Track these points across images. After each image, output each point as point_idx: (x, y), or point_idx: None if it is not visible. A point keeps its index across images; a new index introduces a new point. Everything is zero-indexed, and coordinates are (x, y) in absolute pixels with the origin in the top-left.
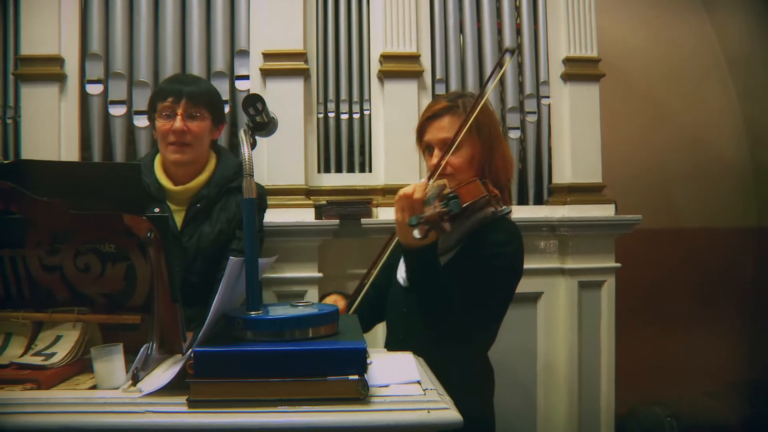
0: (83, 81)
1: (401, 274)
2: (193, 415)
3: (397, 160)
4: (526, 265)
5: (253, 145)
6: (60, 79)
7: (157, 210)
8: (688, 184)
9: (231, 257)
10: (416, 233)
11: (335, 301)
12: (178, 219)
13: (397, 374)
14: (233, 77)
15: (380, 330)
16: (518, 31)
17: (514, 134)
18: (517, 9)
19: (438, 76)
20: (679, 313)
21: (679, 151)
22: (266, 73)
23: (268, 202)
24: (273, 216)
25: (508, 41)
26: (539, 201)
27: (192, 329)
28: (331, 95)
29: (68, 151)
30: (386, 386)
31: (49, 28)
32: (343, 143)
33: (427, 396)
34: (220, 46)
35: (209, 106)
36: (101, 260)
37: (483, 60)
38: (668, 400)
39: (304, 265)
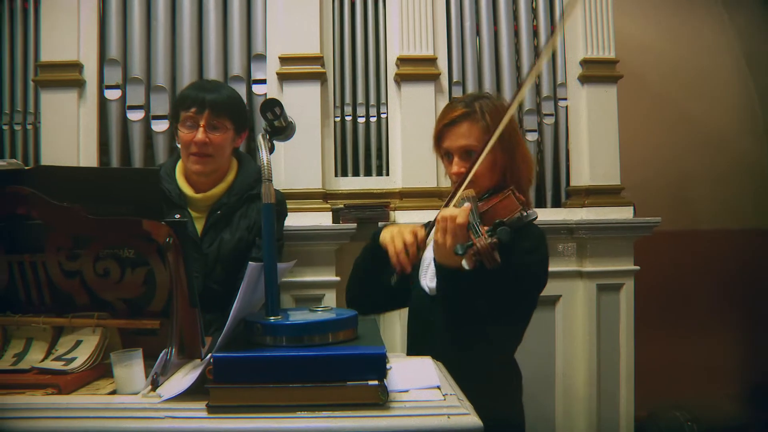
0: (101, 86)
1: (426, 282)
2: (212, 421)
3: (414, 164)
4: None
5: (271, 149)
6: (79, 84)
7: (177, 216)
8: (707, 185)
9: (250, 262)
10: (465, 264)
11: (414, 229)
12: (199, 226)
13: (417, 379)
14: (250, 81)
15: (397, 334)
16: (535, 33)
17: (531, 137)
18: (534, 11)
19: (455, 78)
20: (699, 316)
21: (698, 152)
22: (283, 77)
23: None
24: (290, 220)
25: (525, 43)
26: (557, 204)
27: (211, 334)
28: (348, 99)
29: (87, 156)
30: (406, 391)
31: (68, 34)
32: (360, 147)
33: (447, 401)
34: (237, 50)
35: (232, 116)
36: (120, 265)
37: (500, 62)
38: (688, 403)
39: (322, 269)
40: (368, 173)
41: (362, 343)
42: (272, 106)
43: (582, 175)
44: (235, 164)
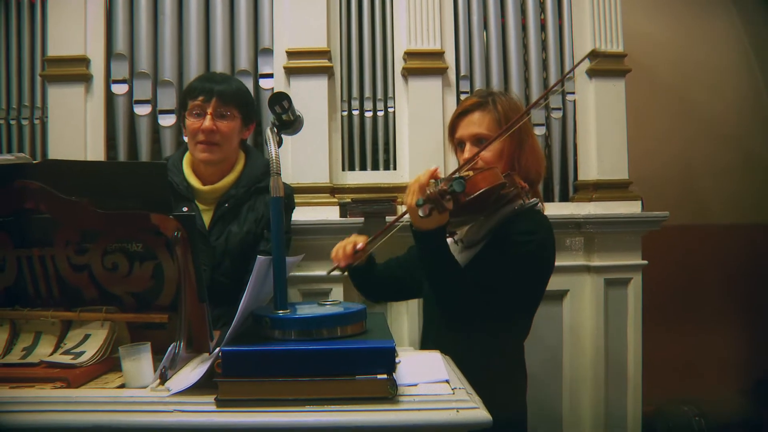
0: (109, 81)
1: None
2: (221, 415)
3: (421, 157)
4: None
5: (279, 143)
6: (86, 79)
7: (185, 209)
8: (715, 179)
9: (259, 256)
10: (420, 212)
11: (354, 239)
12: (207, 218)
13: (426, 373)
14: (257, 75)
15: (405, 327)
16: (543, 27)
17: (539, 131)
18: (542, 4)
19: (462, 72)
20: (707, 311)
21: (707, 146)
22: (290, 71)
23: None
24: (298, 214)
25: (532, 37)
26: (565, 198)
27: (219, 328)
28: (355, 93)
29: (94, 150)
30: (414, 385)
31: (75, 29)
32: (367, 141)
33: (456, 395)
34: (244, 44)
35: (239, 106)
36: (129, 259)
37: (507, 56)
38: (696, 398)
39: (329, 264)
40: (375, 167)
41: (371, 336)
42: (280, 99)
43: (590, 169)
44: (242, 157)
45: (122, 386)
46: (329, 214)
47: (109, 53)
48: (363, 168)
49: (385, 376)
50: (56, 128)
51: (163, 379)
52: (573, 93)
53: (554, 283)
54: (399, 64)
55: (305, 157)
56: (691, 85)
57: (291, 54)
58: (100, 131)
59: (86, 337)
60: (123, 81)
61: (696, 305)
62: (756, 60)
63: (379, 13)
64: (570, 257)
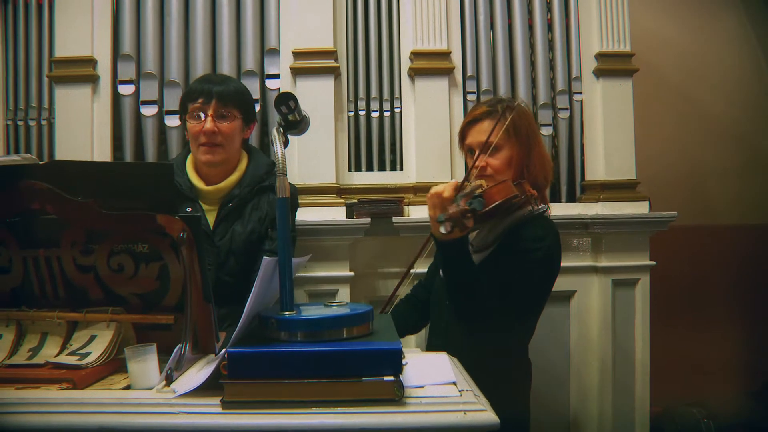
0: (115, 82)
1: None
2: (227, 416)
3: (428, 158)
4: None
5: (285, 143)
6: (93, 80)
7: (188, 209)
8: (723, 180)
9: (265, 257)
10: (442, 229)
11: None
12: (210, 218)
13: (433, 375)
14: (263, 76)
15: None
16: (549, 27)
17: (546, 131)
18: (549, 4)
19: (469, 73)
20: (716, 312)
21: (714, 146)
22: (296, 72)
23: (300, 201)
24: (304, 215)
25: (539, 37)
26: (572, 198)
27: (224, 329)
28: (362, 93)
29: (101, 151)
30: (421, 387)
31: (82, 30)
32: (373, 141)
33: (463, 397)
34: (250, 45)
35: (240, 106)
36: (135, 260)
37: (514, 57)
38: (704, 399)
39: (336, 264)
40: (382, 168)
41: (377, 338)
42: (286, 99)
43: (597, 169)
44: (245, 157)
45: (128, 387)
46: (336, 214)
47: (116, 54)
48: (369, 168)
49: (391, 377)
50: (63, 129)
51: (169, 380)
52: (580, 93)
53: (562, 283)
54: (405, 64)
55: (312, 158)
56: (699, 85)
57: (297, 54)
58: (106, 132)
59: (92, 338)
60: (129, 82)
61: (704, 306)
62: (764, 60)
63: (386, 13)
64: (577, 258)
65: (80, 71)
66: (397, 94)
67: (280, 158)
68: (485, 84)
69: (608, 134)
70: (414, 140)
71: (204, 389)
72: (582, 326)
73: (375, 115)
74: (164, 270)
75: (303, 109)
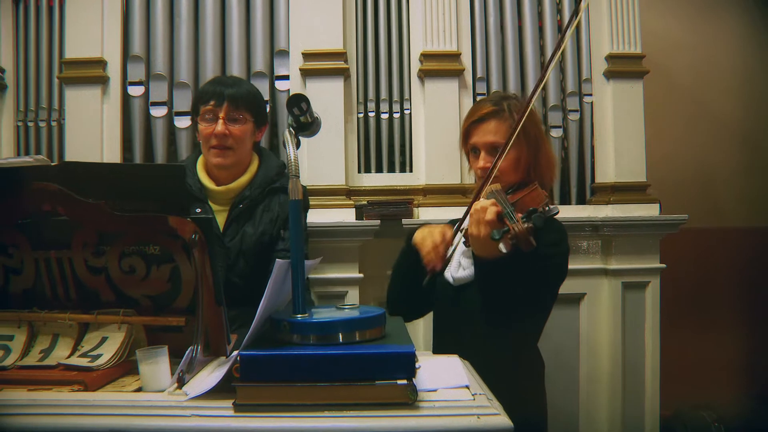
0: (125, 83)
1: (450, 273)
2: (239, 420)
3: (437, 160)
4: (569, 266)
5: (297, 145)
6: (102, 81)
7: (198, 210)
8: (735, 182)
9: (278, 259)
10: (502, 247)
11: (443, 230)
12: (221, 219)
13: (445, 378)
14: (273, 78)
15: (420, 332)
16: (560, 29)
17: (556, 133)
18: (559, 6)
19: (479, 74)
20: (726, 314)
21: (725, 148)
22: (306, 73)
23: (309, 203)
24: (314, 216)
25: (549, 39)
26: (582, 201)
27: (234, 330)
28: (372, 95)
29: (110, 152)
30: (434, 391)
31: (92, 31)
32: (383, 143)
33: (477, 401)
34: (260, 46)
35: (251, 109)
36: (146, 262)
37: (524, 57)
38: (715, 403)
39: (345, 266)
40: (392, 169)
41: (390, 341)
42: (299, 101)
43: (607, 171)
44: (256, 158)
45: (139, 390)
46: (345, 216)
47: (126, 55)
48: (379, 170)
49: (404, 381)
50: (73, 130)
51: (181, 382)
52: (590, 95)
53: (571, 286)
54: (415, 66)
55: (321, 159)
56: (710, 87)
57: (307, 56)
58: (116, 133)
59: (103, 339)
60: (139, 83)
61: (715, 309)
62: None
63: (395, 14)
64: (587, 260)
65: (90, 72)
66: (406, 96)
67: (292, 160)
68: (495, 86)
69: (618, 136)
70: (423, 142)
71: (216, 392)
72: (592, 329)
73: (384, 116)
74: (176, 272)
75: (314, 110)
